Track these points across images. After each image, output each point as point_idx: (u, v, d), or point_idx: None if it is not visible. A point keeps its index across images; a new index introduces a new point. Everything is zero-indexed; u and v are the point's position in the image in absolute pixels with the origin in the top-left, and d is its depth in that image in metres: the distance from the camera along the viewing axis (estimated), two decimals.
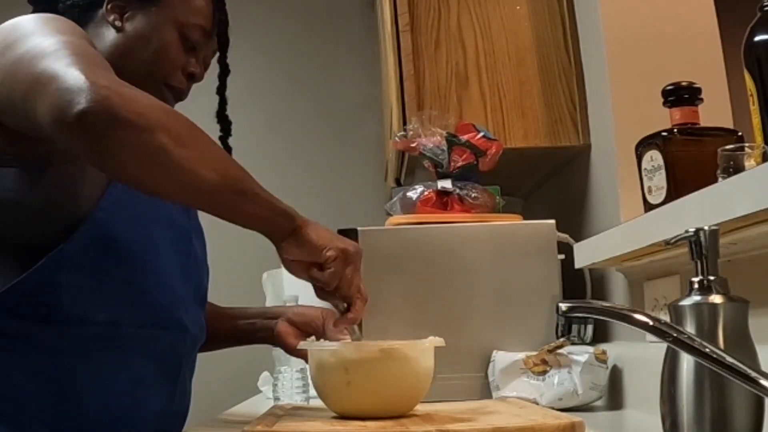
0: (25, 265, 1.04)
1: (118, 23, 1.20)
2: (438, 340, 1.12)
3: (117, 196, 1.09)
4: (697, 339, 0.72)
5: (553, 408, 1.26)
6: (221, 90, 1.34)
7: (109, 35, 1.20)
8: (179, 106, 1.29)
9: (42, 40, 1.00)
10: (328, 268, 1.09)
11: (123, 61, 1.19)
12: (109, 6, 1.21)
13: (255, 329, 1.38)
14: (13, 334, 1.05)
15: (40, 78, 0.95)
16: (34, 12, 1.20)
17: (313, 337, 1.20)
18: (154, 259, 1.14)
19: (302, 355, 1.25)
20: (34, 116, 0.95)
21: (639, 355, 1.32)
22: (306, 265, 1.10)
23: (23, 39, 1.01)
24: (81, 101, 0.90)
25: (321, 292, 1.13)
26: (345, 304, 1.15)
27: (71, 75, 0.93)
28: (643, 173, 1.25)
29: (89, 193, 1.08)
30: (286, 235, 1.07)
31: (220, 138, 1.36)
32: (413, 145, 1.62)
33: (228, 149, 1.37)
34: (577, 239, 1.50)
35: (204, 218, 1.36)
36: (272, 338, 1.35)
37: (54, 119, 0.92)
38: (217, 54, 1.31)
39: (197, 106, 1.30)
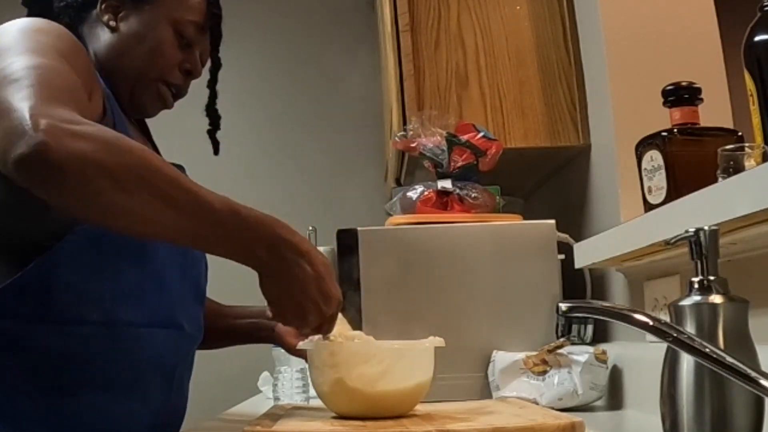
0: (20, 265, 1.04)
1: (112, 23, 1.21)
2: (438, 340, 1.12)
3: None
4: (697, 339, 0.72)
5: (553, 408, 1.26)
6: (212, 84, 1.34)
7: (104, 35, 1.21)
8: (178, 102, 1.30)
9: (12, 62, 0.98)
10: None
11: (119, 60, 1.19)
12: (103, 6, 1.21)
13: (256, 328, 1.38)
14: (8, 333, 1.05)
15: None
16: (29, 13, 1.20)
17: (313, 337, 1.19)
18: (150, 258, 1.14)
19: (302, 354, 1.25)
20: None
21: (639, 355, 1.32)
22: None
23: (1, 53, 1.00)
24: (19, 146, 0.88)
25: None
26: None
27: (19, 114, 0.90)
28: (643, 173, 1.25)
29: None
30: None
31: (209, 131, 1.36)
32: (413, 145, 1.62)
33: (216, 143, 1.36)
34: (577, 239, 1.50)
35: None
36: (273, 337, 1.35)
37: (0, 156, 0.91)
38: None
39: (195, 101, 1.30)
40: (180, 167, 1.26)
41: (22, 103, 0.91)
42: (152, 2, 1.21)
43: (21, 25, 1.06)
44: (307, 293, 1.01)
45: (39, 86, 0.95)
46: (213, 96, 1.36)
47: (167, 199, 0.93)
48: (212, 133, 1.36)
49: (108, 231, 1.03)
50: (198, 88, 1.32)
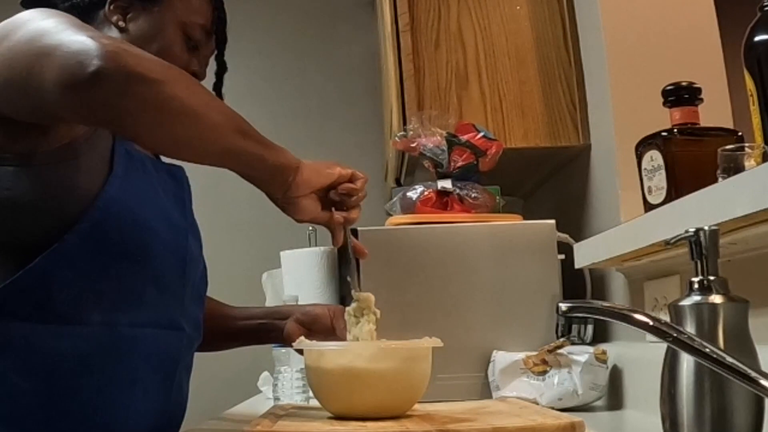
0: (20, 265, 1.04)
1: (121, 23, 1.21)
2: (436, 341, 1.12)
3: (113, 194, 1.09)
4: (697, 339, 0.72)
5: (553, 408, 1.26)
6: (218, 87, 1.36)
7: (112, 35, 1.21)
8: None
9: (40, 23, 1.00)
10: (351, 177, 1.14)
11: None
12: (111, 6, 1.22)
13: (266, 330, 1.38)
14: (7, 333, 1.04)
15: (43, 50, 0.96)
16: None
17: (303, 339, 1.19)
18: (149, 259, 1.13)
19: None
20: (40, 89, 0.96)
21: (639, 355, 1.32)
22: (317, 199, 1.12)
23: (21, 26, 1.02)
24: (93, 61, 0.92)
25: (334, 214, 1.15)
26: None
27: (77, 40, 0.94)
28: (643, 173, 1.25)
29: (85, 191, 1.07)
30: (294, 169, 1.08)
31: None
32: (413, 145, 1.62)
33: None
34: (577, 239, 1.51)
35: (203, 219, 1.36)
36: (281, 337, 1.35)
37: (65, 84, 0.93)
38: (215, 51, 1.32)
39: None
40: (179, 169, 1.27)
41: (74, 36, 0.95)
42: (161, 4, 1.22)
43: (32, 10, 1.07)
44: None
45: (82, 27, 0.99)
46: (219, 99, 1.37)
47: (221, 104, 1.03)
48: None
49: (109, 230, 1.03)
50: None
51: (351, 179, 1.15)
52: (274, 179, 1.07)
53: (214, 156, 1.03)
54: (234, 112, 1.04)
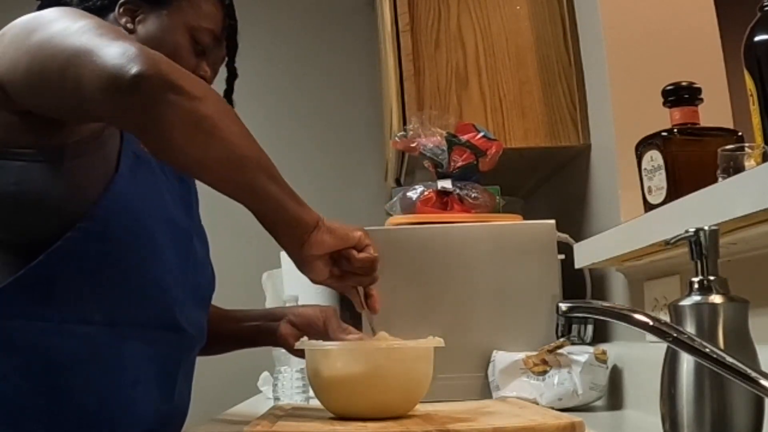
0: (22, 263, 1.04)
1: (130, 26, 1.22)
2: (437, 341, 1.12)
3: (118, 193, 1.09)
4: (697, 339, 0.72)
5: (553, 408, 1.26)
6: (228, 93, 1.36)
7: None
8: None
9: (71, 23, 1.01)
10: (365, 248, 1.10)
11: None
12: (121, 9, 1.22)
13: (259, 332, 1.38)
14: (9, 332, 1.04)
15: (79, 50, 0.96)
16: None
17: (305, 339, 1.19)
18: (152, 259, 1.13)
19: (303, 355, 1.25)
20: (75, 88, 0.96)
21: (639, 355, 1.32)
22: (329, 262, 1.09)
23: (49, 24, 1.02)
24: (135, 66, 0.92)
25: (347, 280, 1.13)
26: (363, 295, 1.15)
27: (117, 45, 0.95)
28: (643, 173, 1.25)
29: (90, 190, 1.08)
30: (312, 226, 1.06)
31: None
32: (413, 145, 1.62)
33: None
34: (577, 239, 1.50)
35: (204, 219, 1.36)
36: (277, 340, 1.35)
37: (105, 85, 0.94)
38: (225, 58, 1.32)
39: None
40: None
41: (112, 41, 0.96)
42: (170, 8, 1.23)
43: (57, 8, 1.08)
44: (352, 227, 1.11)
45: (116, 32, 1.00)
46: (230, 105, 1.38)
47: (253, 140, 1.02)
48: None
49: (112, 229, 1.03)
50: None
51: (365, 248, 1.11)
52: (291, 231, 1.05)
53: (236, 187, 1.02)
54: (265, 154, 1.03)
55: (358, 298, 1.16)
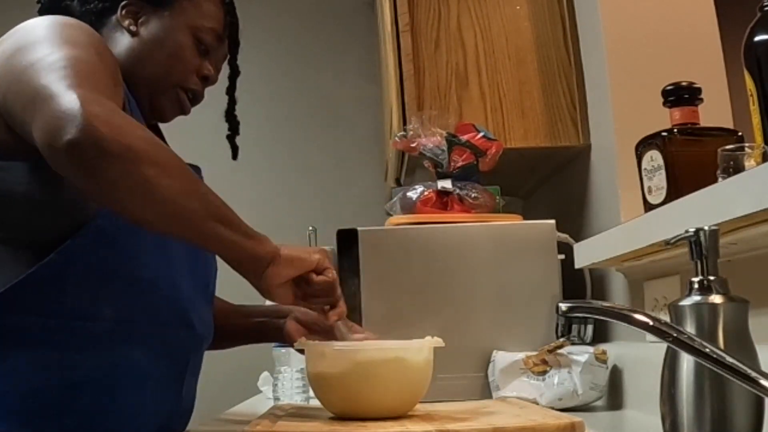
0: (33, 261, 1.05)
1: (132, 27, 1.22)
2: (437, 341, 1.12)
3: None
4: (697, 339, 0.72)
5: (553, 408, 1.26)
6: (231, 90, 1.37)
7: (123, 40, 1.22)
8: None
9: (51, 52, 1.01)
10: (323, 270, 1.13)
11: (139, 65, 1.21)
12: (123, 11, 1.23)
13: (266, 328, 1.38)
14: (20, 329, 1.05)
15: (39, 94, 0.96)
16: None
17: (302, 339, 1.20)
18: (161, 257, 1.14)
19: None
20: (30, 130, 0.97)
21: (639, 355, 1.32)
22: (291, 287, 1.12)
23: (34, 46, 1.02)
24: (70, 130, 0.91)
25: (310, 301, 1.16)
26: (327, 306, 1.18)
27: (67, 99, 0.93)
28: (643, 173, 1.25)
29: None
30: (268, 260, 1.08)
31: (228, 137, 1.39)
32: (413, 145, 1.62)
33: (235, 148, 1.39)
34: (577, 239, 1.51)
35: None
36: (282, 336, 1.36)
37: (45, 143, 0.94)
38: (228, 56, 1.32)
39: (204, 105, 1.31)
40: (196, 168, 1.27)
41: (70, 89, 0.95)
42: (172, 8, 1.23)
43: (51, 20, 1.08)
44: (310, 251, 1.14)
45: (83, 77, 0.98)
46: (232, 102, 1.39)
47: (199, 189, 1.01)
48: (231, 138, 1.39)
49: (123, 227, 1.04)
50: (207, 91, 1.33)
51: (324, 270, 1.14)
52: (248, 267, 1.08)
53: (188, 238, 1.04)
54: (214, 197, 1.03)
55: (324, 315, 1.19)
